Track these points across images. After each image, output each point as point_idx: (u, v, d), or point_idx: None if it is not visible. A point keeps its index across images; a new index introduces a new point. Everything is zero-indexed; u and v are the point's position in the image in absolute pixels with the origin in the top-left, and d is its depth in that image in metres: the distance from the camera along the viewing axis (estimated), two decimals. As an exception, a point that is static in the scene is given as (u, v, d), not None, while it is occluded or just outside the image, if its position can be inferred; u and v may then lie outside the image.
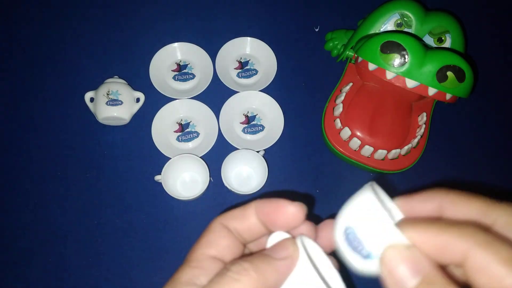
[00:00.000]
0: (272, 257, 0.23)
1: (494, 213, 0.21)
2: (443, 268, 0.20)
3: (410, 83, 0.56)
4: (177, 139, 0.65)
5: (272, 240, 0.25)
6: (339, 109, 0.63)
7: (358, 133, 0.60)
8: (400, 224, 0.21)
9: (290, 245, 0.24)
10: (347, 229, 0.22)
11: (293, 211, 0.24)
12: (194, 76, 0.70)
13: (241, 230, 0.26)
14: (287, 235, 0.25)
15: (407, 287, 0.19)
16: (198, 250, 0.24)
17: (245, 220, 0.26)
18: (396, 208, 0.23)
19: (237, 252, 0.25)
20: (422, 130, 0.62)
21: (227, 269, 0.22)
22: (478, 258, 0.19)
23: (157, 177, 0.60)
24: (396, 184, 0.65)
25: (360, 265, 0.22)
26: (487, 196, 0.22)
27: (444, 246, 0.20)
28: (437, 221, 0.21)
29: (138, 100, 0.67)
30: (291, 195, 0.63)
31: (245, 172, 0.64)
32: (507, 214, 0.21)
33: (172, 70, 0.70)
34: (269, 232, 0.26)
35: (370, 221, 0.21)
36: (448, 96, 0.57)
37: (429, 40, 0.64)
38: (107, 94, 0.64)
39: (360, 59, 0.60)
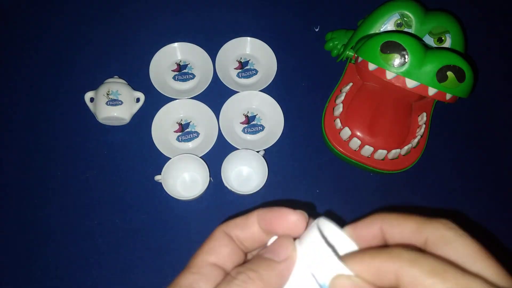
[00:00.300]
0: (274, 260, 0.24)
1: (425, 230, 0.23)
2: None
3: (410, 83, 0.56)
4: (177, 139, 0.65)
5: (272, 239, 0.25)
6: (339, 109, 0.63)
7: (358, 133, 0.60)
8: (344, 257, 0.23)
9: (288, 244, 0.25)
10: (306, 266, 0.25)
11: (294, 219, 0.25)
12: (194, 76, 0.70)
13: (243, 238, 0.26)
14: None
15: None
16: (199, 257, 0.25)
17: (247, 229, 0.26)
18: (345, 237, 0.25)
19: (238, 260, 0.26)
20: (422, 130, 0.62)
21: (233, 277, 0.22)
22: (408, 275, 0.21)
23: (157, 177, 0.60)
24: (396, 184, 0.65)
25: None
26: (422, 215, 0.24)
27: (378, 271, 0.22)
28: (371, 249, 0.23)
29: (138, 100, 0.67)
30: (291, 196, 0.63)
31: (245, 172, 0.64)
32: (437, 231, 0.23)
33: (172, 70, 0.70)
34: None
35: (319, 258, 0.24)
36: (448, 96, 0.57)
37: (429, 40, 0.64)
38: (107, 94, 0.64)
39: (360, 59, 0.60)
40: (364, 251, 0.23)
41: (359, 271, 0.22)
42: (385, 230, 0.25)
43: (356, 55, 0.62)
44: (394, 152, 0.60)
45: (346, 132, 0.61)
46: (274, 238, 0.26)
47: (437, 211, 0.63)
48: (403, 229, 0.24)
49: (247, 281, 0.22)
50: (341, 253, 0.25)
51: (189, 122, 0.66)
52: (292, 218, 0.25)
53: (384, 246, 0.25)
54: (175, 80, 0.69)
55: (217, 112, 0.65)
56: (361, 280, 0.22)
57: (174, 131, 0.66)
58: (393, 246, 0.24)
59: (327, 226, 0.25)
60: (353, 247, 0.25)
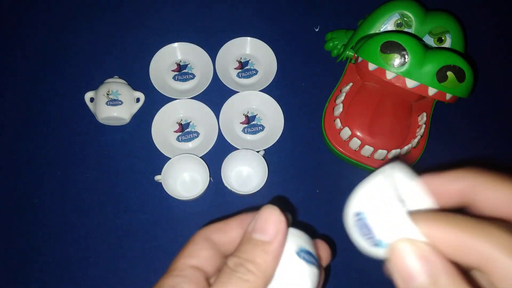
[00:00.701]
0: (265, 242, 0.23)
1: None
2: (463, 270, 0.18)
3: (410, 83, 0.56)
4: (177, 139, 0.65)
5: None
6: (339, 109, 0.63)
7: (358, 133, 0.60)
8: (416, 216, 0.19)
9: (274, 218, 0.24)
10: (358, 214, 0.21)
11: (275, 221, 0.25)
12: (194, 76, 0.70)
13: (223, 243, 0.27)
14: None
15: (414, 284, 0.18)
16: (180, 260, 0.26)
17: (228, 233, 0.27)
18: (419, 189, 0.21)
19: (218, 263, 0.26)
20: (422, 130, 0.62)
21: (232, 269, 0.23)
22: (502, 267, 0.17)
23: (157, 177, 0.60)
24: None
25: (369, 251, 0.21)
26: None
27: (461, 246, 0.18)
28: (457, 216, 0.19)
29: (138, 100, 0.67)
30: (291, 196, 0.63)
31: (245, 172, 0.64)
32: None
33: (172, 70, 0.70)
34: None
35: (383, 210, 0.20)
36: (448, 96, 0.57)
37: (429, 40, 0.64)
38: (107, 94, 0.64)
39: (360, 59, 0.60)
40: (447, 215, 0.19)
41: (436, 239, 0.18)
42: (478, 192, 0.20)
43: (356, 55, 0.62)
44: (394, 152, 0.60)
45: (346, 132, 0.61)
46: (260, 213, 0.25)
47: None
48: (498, 196, 0.19)
49: (247, 273, 0.22)
50: (413, 208, 0.20)
51: (189, 122, 0.66)
52: (272, 219, 0.25)
53: (459, 213, 0.20)
54: (175, 80, 0.69)
55: (217, 112, 0.65)
56: (434, 253, 0.18)
57: (174, 131, 0.66)
58: (490, 220, 0.18)
59: (398, 173, 0.21)
60: (429, 204, 0.20)
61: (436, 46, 0.64)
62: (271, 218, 0.24)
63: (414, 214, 0.19)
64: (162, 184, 0.59)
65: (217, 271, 0.26)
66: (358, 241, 0.22)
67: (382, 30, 0.64)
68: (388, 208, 0.20)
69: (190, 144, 0.65)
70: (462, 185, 0.21)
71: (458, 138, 0.70)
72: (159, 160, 0.61)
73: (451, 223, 0.18)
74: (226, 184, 0.59)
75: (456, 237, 0.18)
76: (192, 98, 0.66)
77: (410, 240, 0.19)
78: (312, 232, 0.63)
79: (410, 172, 0.21)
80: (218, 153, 0.63)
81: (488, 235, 0.17)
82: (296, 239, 0.25)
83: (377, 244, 0.20)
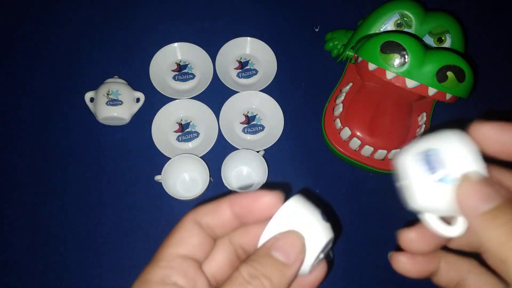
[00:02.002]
0: (285, 264, 0.23)
1: None
2: None
3: (410, 83, 0.56)
4: (177, 139, 0.65)
5: (269, 234, 0.24)
6: (339, 109, 0.63)
7: (358, 133, 0.60)
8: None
9: (298, 243, 0.23)
10: (429, 151, 0.22)
11: (268, 200, 0.24)
12: (194, 76, 0.70)
13: (213, 226, 0.25)
14: (282, 228, 0.24)
15: (480, 209, 0.20)
16: (167, 249, 0.24)
17: (219, 215, 0.25)
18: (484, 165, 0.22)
19: (208, 248, 0.25)
20: (422, 130, 0.63)
21: (247, 281, 0.22)
22: None
23: (157, 177, 0.60)
24: (396, 185, 0.65)
25: (429, 187, 0.22)
26: None
27: None
28: None
29: (138, 100, 0.67)
30: (291, 196, 0.63)
31: (245, 172, 0.64)
32: None
33: (172, 70, 0.70)
34: (241, 226, 0.26)
35: (459, 149, 0.21)
36: (448, 96, 0.57)
37: (429, 40, 0.64)
38: (107, 94, 0.64)
39: (360, 59, 0.60)
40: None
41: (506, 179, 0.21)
42: None
43: (356, 55, 0.62)
44: (394, 152, 0.60)
45: (346, 132, 0.61)
46: (277, 227, 0.24)
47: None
48: None
49: None
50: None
51: (189, 122, 0.66)
52: (265, 200, 0.24)
53: None
54: (175, 80, 0.69)
55: (217, 112, 0.65)
56: (501, 186, 0.20)
57: (174, 131, 0.66)
58: None
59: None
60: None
61: (436, 46, 0.64)
62: (296, 245, 0.23)
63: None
64: (162, 184, 0.59)
65: (207, 256, 0.25)
66: (418, 177, 0.22)
67: (382, 30, 0.64)
68: (465, 150, 0.21)
69: (190, 144, 0.65)
70: None
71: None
72: (159, 160, 0.61)
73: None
74: (226, 184, 0.59)
75: None
76: (192, 98, 0.66)
77: (480, 174, 0.21)
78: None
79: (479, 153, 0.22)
80: (218, 153, 0.63)
81: None
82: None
83: (442, 179, 0.21)
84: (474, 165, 0.21)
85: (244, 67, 0.71)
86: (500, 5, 0.81)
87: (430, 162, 0.22)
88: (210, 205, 0.26)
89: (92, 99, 0.65)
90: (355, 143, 0.60)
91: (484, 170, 0.20)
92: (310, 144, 0.67)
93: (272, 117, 0.67)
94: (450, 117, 0.70)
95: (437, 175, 0.21)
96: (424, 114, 0.64)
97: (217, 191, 0.62)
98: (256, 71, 0.71)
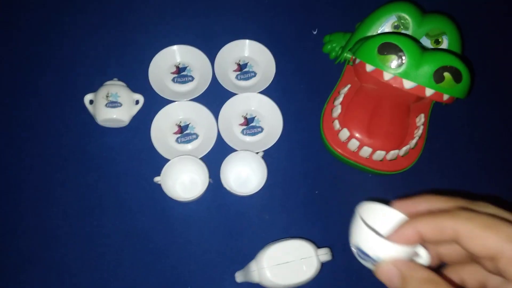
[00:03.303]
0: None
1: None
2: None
3: (408, 84, 0.57)
4: (177, 140, 0.65)
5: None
6: (337, 111, 0.63)
7: (357, 134, 0.60)
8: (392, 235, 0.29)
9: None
10: (356, 248, 0.31)
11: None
12: (193, 78, 0.70)
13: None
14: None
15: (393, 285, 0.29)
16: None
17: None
18: (392, 210, 0.31)
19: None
20: (420, 131, 0.63)
21: None
22: (465, 229, 0.25)
23: (157, 179, 0.60)
24: (395, 185, 0.65)
25: (371, 268, 0.31)
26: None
27: (439, 226, 0.27)
28: (430, 212, 0.28)
29: (137, 102, 0.67)
30: (291, 197, 0.63)
31: (244, 173, 0.64)
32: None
33: (171, 73, 0.70)
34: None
35: (367, 240, 0.30)
36: (445, 97, 0.58)
37: (426, 42, 0.64)
38: (107, 97, 0.64)
39: (357, 60, 0.60)
40: (425, 213, 0.28)
41: (422, 228, 0.27)
42: (431, 208, 0.29)
43: (353, 57, 0.62)
44: (393, 153, 0.61)
45: (344, 133, 0.61)
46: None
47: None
48: (481, 245, 0.26)
49: None
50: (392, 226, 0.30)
51: (188, 124, 0.66)
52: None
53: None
54: (174, 82, 0.69)
55: (216, 114, 0.66)
56: (406, 264, 0.28)
57: (173, 133, 0.66)
58: (451, 207, 0.28)
59: (370, 208, 0.33)
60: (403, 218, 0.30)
61: (433, 48, 0.64)
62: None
63: (391, 235, 0.29)
64: (162, 185, 0.59)
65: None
66: (365, 264, 0.32)
67: (379, 32, 0.64)
68: (370, 238, 0.30)
69: (189, 146, 0.65)
70: (421, 207, 0.30)
71: (456, 139, 0.70)
72: (159, 162, 0.61)
73: (429, 215, 0.28)
74: (225, 186, 0.59)
75: (436, 222, 0.27)
76: (191, 100, 0.66)
77: (389, 260, 0.29)
78: (311, 233, 0.63)
79: (379, 204, 0.32)
80: (217, 154, 0.63)
81: (454, 214, 0.27)
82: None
83: (376, 260, 0.30)
84: (386, 250, 0.29)
85: (243, 69, 0.71)
86: (497, 7, 0.81)
87: (362, 256, 0.31)
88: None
89: (91, 101, 0.65)
90: (353, 144, 0.61)
91: (393, 249, 0.29)
92: (309, 145, 0.67)
93: (271, 118, 0.67)
94: (447, 118, 0.70)
95: (371, 261, 0.30)
96: (422, 115, 0.64)
97: (216, 192, 0.62)
98: (255, 73, 0.71)
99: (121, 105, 0.64)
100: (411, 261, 0.30)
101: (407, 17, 0.63)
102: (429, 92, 0.56)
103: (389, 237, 0.29)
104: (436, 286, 0.26)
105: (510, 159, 0.69)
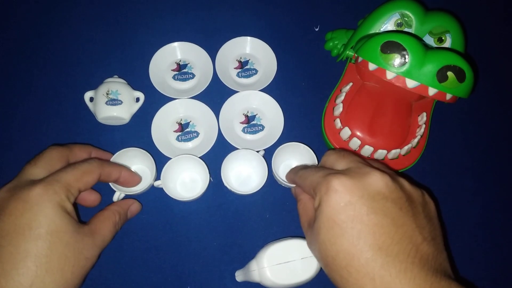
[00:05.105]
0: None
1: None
2: None
3: (410, 83, 0.56)
4: (177, 138, 0.65)
5: None
6: (339, 109, 0.63)
7: (358, 133, 0.60)
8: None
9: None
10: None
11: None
12: (194, 75, 0.70)
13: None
14: None
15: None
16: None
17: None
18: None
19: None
20: (422, 130, 0.62)
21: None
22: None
23: (157, 183, 0.60)
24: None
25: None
26: None
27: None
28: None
29: (138, 99, 0.67)
30: (291, 196, 0.63)
31: (245, 172, 0.64)
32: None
33: (172, 70, 0.69)
34: None
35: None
36: (448, 96, 0.57)
37: (429, 40, 0.64)
38: (107, 94, 0.63)
39: (360, 59, 0.60)
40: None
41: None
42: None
43: (356, 55, 0.62)
44: (394, 152, 0.60)
45: (346, 132, 0.61)
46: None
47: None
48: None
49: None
50: None
51: (188, 122, 0.66)
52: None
53: None
54: (175, 79, 0.69)
55: (217, 111, 0.65)
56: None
57: (174, 131, 0.65)
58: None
59: None
60: None
61: (436, 46, 0.64)
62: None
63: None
64: (162, 185, 0.59)
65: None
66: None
67: (382, 30, 0.64)
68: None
69: (190, 144, 0.65)
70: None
71: (458, 138, 0.70)
72: (159, 160, 0.61)
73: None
74: (226, 184, 0.59)
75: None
76: (192, 97, 0.66)
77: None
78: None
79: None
80: (218, 153, 0.63)
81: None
82: None
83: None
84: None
85: (244, 67, 0.71)
86: (501, 5, 0.81)
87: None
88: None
89: (91, 99, 0.65)
90: (355, 143, 0.60)
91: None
92: (310, 144, 0.66)
93: (272, 116, 0.67)
94: (449, 117, 0.70)
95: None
96: (424, 114, 0.64)
97: (217, 191, 0.62)
98: (256, 71, 0.71)
99: (121, 102, 0.64)
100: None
101: (410, 14, 0.63)
102: (432, 91, 0.56)
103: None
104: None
105: (512, 158, 0.69)
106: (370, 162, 0.45)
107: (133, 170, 0.62)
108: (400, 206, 0.38)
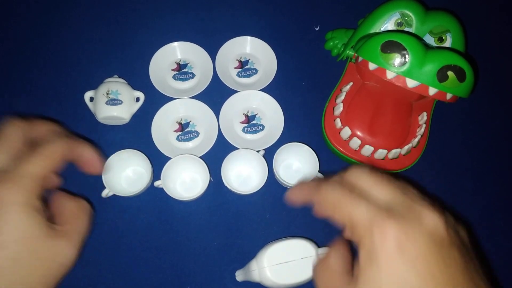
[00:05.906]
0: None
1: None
2: None
3: (411, 83, 0.56)
4: (177, 138, 0.65)
5: None
6: (339, 109, 0.63)
7: (358, 133, 0.60)
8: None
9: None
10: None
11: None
12: (194, 75, 0.69)
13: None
14: None
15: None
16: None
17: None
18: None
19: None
20: (423, 129, 0.62)
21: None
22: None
23: (157, 183, 0.60)
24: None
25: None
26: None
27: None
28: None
29: (138, 99, 0.66)
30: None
31: (245, 171, 0.64)
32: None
33: (172, 70, 0.69)
34: None
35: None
36: (449, 96, 0.57)
37: (430, 40, 0.64)
38: (107, 94, 0.63)
39: (360, 58, 0.60)
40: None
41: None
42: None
43: (356, 55, 0.62)
44: (395, 152, 0.60)
45: (346, 132, 0.61)
46: None
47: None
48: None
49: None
50: None
51: (189, 122, 0.66)
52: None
53: None
54: (175, 79, 0.69)
55: (217, 111, 0.65)
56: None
57: (174, 131, 0.65)
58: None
59: None
60: None
61: (437, 45, 0.64)
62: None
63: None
64: (162, 186, 0.59)
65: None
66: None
67: (382, 29, 0.64)
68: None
69: (190, 144, 0.65)
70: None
71: (458, 138, 0.70)
72: (159, 160, 0.61)
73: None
74: (226, 184, 0.59)
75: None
76: (192, 97, 0.66)
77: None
78: (312, 233, 0.63)
79: None
80: (218, 152, 0.63)
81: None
82: None
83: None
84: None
85: (244, 66, 0.71)
86: (501, 4, 0.81)
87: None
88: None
89: (91, 99, 0.65)
90: (355, 142, 0.60)
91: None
92: (310, 143, 0.66)
93: (272, 116, 0.67)
94: (450, 116, 0.70)
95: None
96: (425, 113, 0.63)
97: (217, 191, 0.62)
98: (256, 71, 0.71)
99: (121, 102, 0.64)
100: None
101: (410, 14, 0.63)
102: (432, 91, 0.56)
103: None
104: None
105: (513, 158, 0.69)
106: (410, 190, 0.35)
107: (129, 172, 0.62)
108: (463, 252, 0.31)
